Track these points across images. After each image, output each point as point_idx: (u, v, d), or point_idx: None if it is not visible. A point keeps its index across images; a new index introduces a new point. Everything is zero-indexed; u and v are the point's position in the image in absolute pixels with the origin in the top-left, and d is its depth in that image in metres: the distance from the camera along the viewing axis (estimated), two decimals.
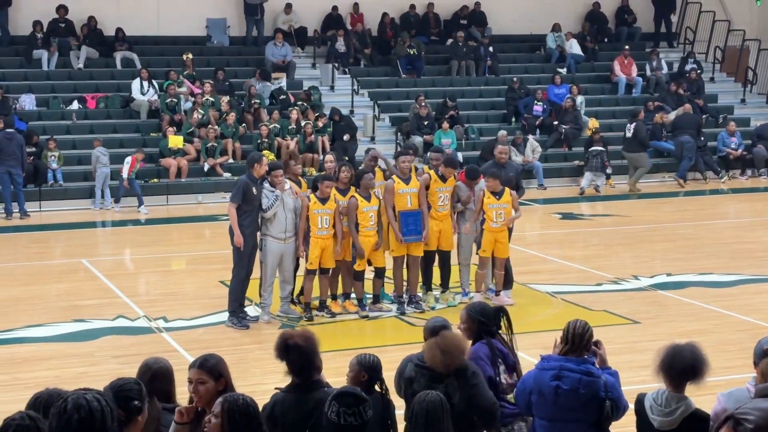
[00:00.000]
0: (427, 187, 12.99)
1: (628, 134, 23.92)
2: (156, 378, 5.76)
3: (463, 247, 13.29)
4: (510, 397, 6.61)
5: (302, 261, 12.72)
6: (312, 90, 25.11)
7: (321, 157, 22.02)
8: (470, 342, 6.72)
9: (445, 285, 13.38)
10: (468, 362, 6.19)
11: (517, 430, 6.62)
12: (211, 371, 5.46)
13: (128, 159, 20.99)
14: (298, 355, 5.80)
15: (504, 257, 13.11)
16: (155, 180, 22.09)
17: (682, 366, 5.61)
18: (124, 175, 20.89)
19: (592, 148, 23.93)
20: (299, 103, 24.42)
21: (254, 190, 12.12)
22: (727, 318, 12.68)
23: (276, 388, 5.91)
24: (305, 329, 6.39)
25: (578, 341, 6.11)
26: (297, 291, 12.96)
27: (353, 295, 12.87)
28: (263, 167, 12.24)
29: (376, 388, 6.05)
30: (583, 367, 6.04)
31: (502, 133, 23.58)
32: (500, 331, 6.92)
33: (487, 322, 6.81)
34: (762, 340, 5.89)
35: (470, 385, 6.05)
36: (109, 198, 21.17)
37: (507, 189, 12.99)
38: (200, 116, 23.03)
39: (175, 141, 22.41)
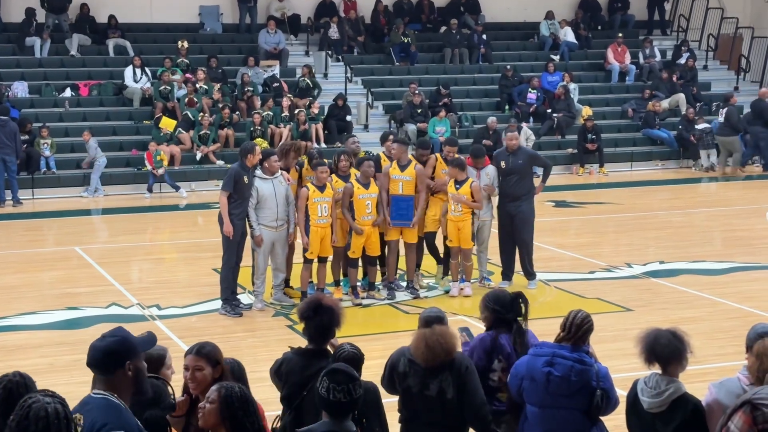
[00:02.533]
0: (433, 169, 13.04)
1: (720, 119, 24.45)
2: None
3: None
4: (503, 396, 6.56)
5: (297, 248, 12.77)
6: (310, 68, 25.09)
7: (314, 145, 22.03)
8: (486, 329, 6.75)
9: (446, 270, 13.45)
10: (459, 357, 6.12)
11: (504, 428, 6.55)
12: (209, 358, 5.52)
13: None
14: (328, 317, 6.07)
15: (468, 247, 13.02)
16: (148, 168, 22.04)
17: (641, 350, 5.68)
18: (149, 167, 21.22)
19: (702, 126, 24.70)
20: (300, 78, 24.48)
21: (245, 179, 12.10)
22: (720, 305, 12.71)
23: (289, 347, 6.23)
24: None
25: (574, 331, 6.12)
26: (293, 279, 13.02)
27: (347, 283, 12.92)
28: (256, 157, 12.21)
29: None
30: (576, 354, 6.04)
31: (492, 119, 23.64)
32: (519, 318, 6.71)
33: (501, 310, 6.66)
34: (757, 326, 5.91)
35: (463, 381, 6.03)
36: (101, 187, 21.19)
37: (469, 180, 12.88)
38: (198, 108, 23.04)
39: (167, 123, 22.38)
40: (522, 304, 6.72)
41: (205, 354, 5.52)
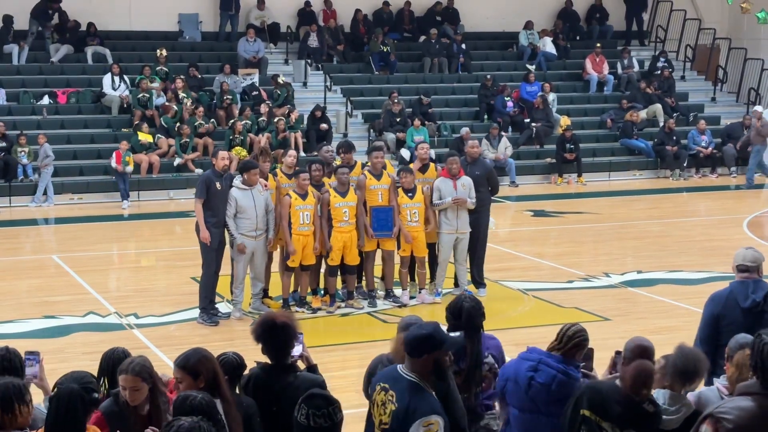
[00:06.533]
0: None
1: None
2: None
3: (443, 246, 13.09)
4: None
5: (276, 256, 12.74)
6: (276, 77, 25.06)
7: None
8: None
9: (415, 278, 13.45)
10: None
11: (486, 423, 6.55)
12: (187, 370, 5.54)
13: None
14: (284, 335, 5.96)
15: (422, 255, 13.06)
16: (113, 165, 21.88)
17: (696, 370, 5.68)
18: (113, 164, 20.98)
19: None
20: (273, 89, 24.48)
21: (218, 185, 12.03)
22: (697, 315, 12.47)
23: (256, 362, 6.08)
24: (284, 309, 6.49)
25: (565, 342, 6.11)
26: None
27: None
28: (220, 161, 12.12)
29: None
30: (562, 365, 6.04)
31: (466, 130, 23.69)
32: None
33: (449, 317, 6.65)
34: (738, 336, 5.93)
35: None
36: (52, 195, 21.00)
37: (419, 187, 12.88)
38: (176, 112, 22.96)
39: (145, 137, 22.32)
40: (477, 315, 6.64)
41: (183, 367, 5.56)
